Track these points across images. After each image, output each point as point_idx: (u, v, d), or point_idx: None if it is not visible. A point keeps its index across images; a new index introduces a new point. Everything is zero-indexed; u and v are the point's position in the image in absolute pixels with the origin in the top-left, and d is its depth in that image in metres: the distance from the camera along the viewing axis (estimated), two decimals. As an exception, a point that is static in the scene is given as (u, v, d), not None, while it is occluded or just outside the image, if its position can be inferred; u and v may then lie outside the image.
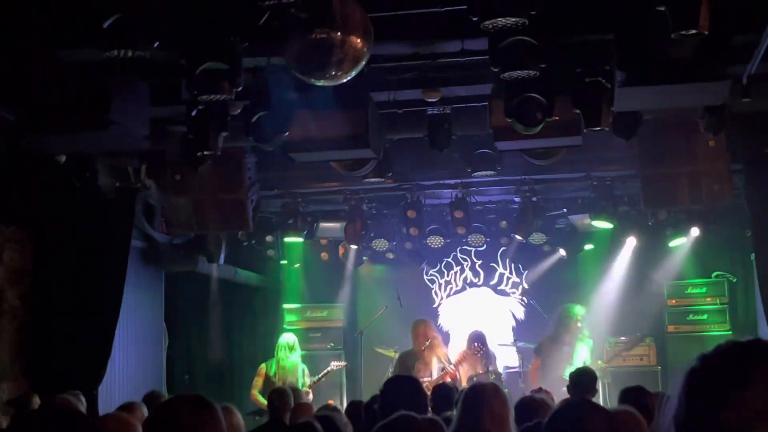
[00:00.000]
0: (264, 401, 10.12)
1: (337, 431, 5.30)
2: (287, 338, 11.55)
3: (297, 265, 12.89)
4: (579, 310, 11.26)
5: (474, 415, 4.25)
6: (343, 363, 12.11)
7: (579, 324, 10.98)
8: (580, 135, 7.37)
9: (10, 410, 7.54)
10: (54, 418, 3.00)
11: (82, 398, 6.91)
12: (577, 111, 6.77)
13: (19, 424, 3.08)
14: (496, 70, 6.17)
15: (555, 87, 6.68)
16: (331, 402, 9.70)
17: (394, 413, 2.86)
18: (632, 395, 5.60)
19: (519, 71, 6.09)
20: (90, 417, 6.72)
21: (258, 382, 11.13)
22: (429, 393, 6.57)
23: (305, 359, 11.77)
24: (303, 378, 11.17)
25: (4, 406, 8.02)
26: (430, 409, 6.02)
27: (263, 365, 11.33)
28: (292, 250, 12.23)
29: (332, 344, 13.28)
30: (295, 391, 8.60)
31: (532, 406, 5.67)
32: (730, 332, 12.08)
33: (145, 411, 6.68)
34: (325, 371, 11.54)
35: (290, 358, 11.26)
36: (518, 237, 11.92)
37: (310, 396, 10.63)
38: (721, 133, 8.00)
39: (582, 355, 10.96)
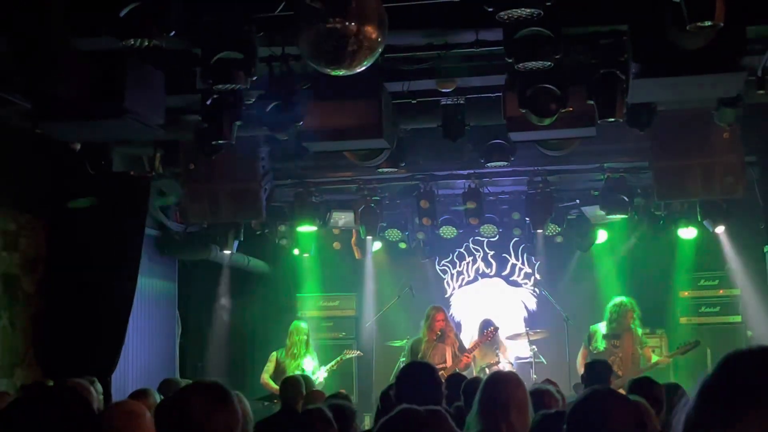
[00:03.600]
0: (275, 386, 10.15)
1: (348, 419, 5.32)
2: (299, 326, 11.50)
3: (307, 255, 12.90)
4: (630, 302, 11.09)
5: (497, 404, 4.25)
6: (356, 352, 12.12)
7: (632, 316, 10.87)
8: (593, 126, 7.36)
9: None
10: (51, 404, 2.95)
11: (98, 385, 6.95)
12: (591, 102, 6.77)
13: (15, 406, 3.03)
14: (510, 60, 6.17)
15: (569, 78, 6.67)
16: (342, 391, 9.74)
17: (398, 406, 2.84)
18: (641, 386, 5.62)
19: (533, 62, 6.08)
20: (105, 403, 6.77)
21: (269, 367, 11.14)
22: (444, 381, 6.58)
23: (317, 348, 11.79)
24: (315, 370, 11.14)
25: (17, 392, 8.08)
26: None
27: (275, 353, 11.35)
28: (305, 239, 12.23)
29: (344, 333, 13.33)
30: (307, 378, 8.62)
31: (537, 395, 5.77)
32: (742, 325, 12.10)
33: (157, 398, 6.72)
34: (338, 359, 11.56)
35: (301, 346, 11.24)
36: (538, 231, 11.88)
37: (321, 379, 10.65)
38: (736, 125, 7.98)
39: (629, 346, 10.80)
